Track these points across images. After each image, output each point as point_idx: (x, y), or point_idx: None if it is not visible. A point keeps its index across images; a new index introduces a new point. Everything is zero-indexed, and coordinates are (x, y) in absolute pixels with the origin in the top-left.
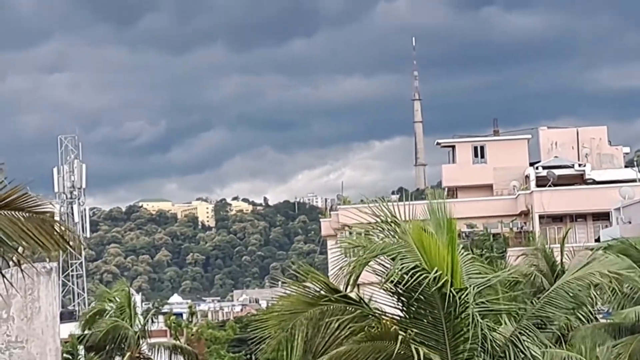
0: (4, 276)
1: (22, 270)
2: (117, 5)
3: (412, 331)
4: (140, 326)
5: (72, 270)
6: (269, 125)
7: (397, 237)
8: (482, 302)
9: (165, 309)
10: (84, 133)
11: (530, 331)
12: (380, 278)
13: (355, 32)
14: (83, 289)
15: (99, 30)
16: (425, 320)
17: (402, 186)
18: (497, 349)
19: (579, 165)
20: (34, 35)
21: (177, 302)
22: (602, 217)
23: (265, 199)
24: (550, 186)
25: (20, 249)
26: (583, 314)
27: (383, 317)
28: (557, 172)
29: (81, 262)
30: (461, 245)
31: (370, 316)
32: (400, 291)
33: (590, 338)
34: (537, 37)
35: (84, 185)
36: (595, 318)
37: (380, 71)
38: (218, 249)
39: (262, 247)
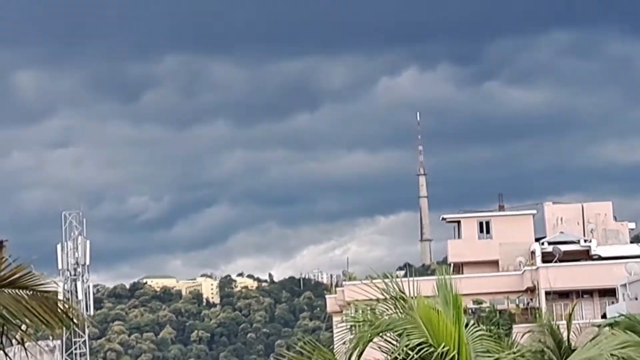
0: (7, 355)
1: (25, 348)
2: (121, 80)
3: None
4: None
5: (75, 349)
6: (274, 200)
7: (403, 313)
8: None
9: None
10: (88, 209)
11: None
12: (386, 355)
13: (358, 107)
14: None
15: (102, 106)
16: None
17: (408, 262)
18: None
19: (585, 240)
20: (38, 111)
21: None
22: (609, 293)
23: (270, 275)
24: (556, 262)
25: (23, 327)
26: None
27: None
28: (563, 247)
29: (84, 340)
30: (472, 321)
31: None
32: None
33: None
34: (540, 111)
35: (87, 262)
36: None
37: (384, 146)
38: (223, 326)
39: (268, 324)
